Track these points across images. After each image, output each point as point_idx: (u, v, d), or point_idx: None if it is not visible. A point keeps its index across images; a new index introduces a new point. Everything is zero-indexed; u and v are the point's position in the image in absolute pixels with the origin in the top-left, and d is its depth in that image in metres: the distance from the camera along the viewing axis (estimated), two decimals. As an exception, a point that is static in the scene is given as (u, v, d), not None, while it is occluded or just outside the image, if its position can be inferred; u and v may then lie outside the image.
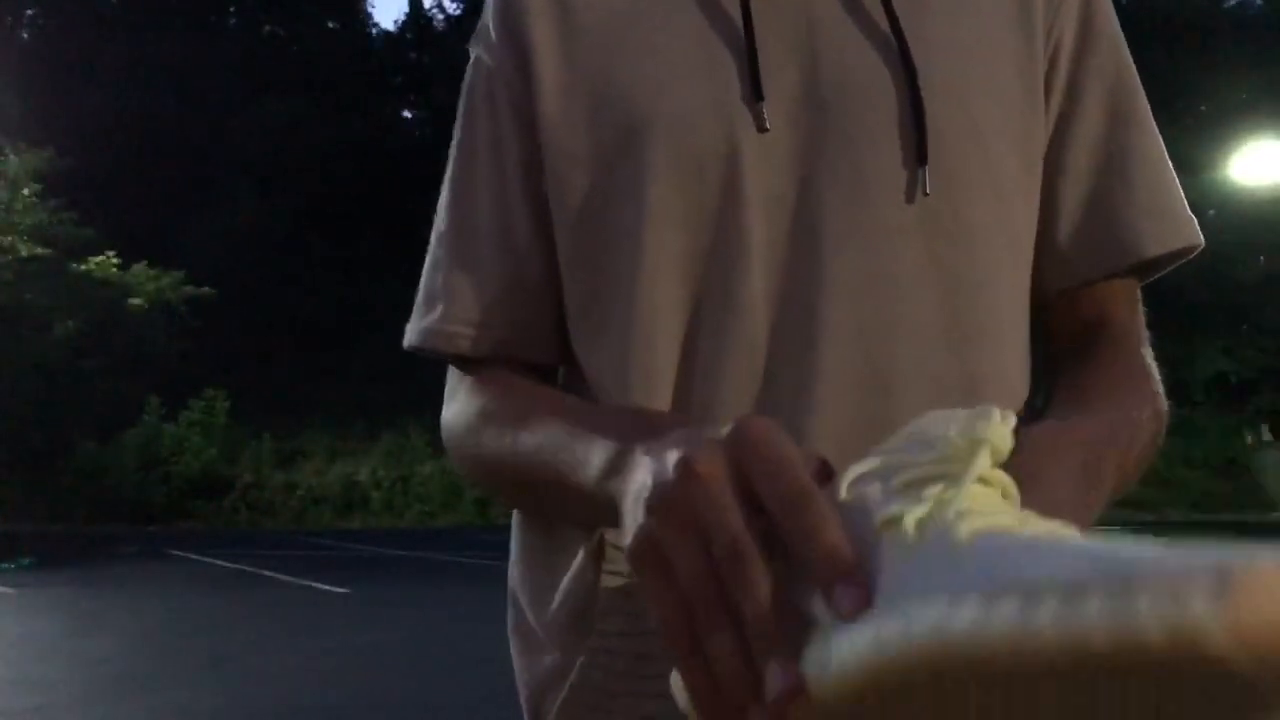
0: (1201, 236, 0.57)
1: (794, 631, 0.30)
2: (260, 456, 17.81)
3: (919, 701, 0.27)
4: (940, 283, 0.50)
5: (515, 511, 0.60)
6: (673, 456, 0.34)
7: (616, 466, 0.41)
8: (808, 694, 0.29)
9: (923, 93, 0.50)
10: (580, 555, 0.52)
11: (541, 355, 0.57)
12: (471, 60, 0.60)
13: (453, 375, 0.59)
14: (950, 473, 0.32)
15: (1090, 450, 0.43)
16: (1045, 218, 0.56)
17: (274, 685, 4.50)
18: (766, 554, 0.31)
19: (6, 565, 9.65)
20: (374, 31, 31.77)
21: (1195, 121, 19.94)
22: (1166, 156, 0.58)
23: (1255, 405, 20.32)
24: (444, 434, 0.57)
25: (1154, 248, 0.55)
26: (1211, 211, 20.57)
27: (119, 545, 12.33)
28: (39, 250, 16.09)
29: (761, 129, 0.50)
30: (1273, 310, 19.69)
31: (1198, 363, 20.26)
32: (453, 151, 0.60)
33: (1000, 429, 0.33)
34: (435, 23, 32.07)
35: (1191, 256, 0.58)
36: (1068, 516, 0.33)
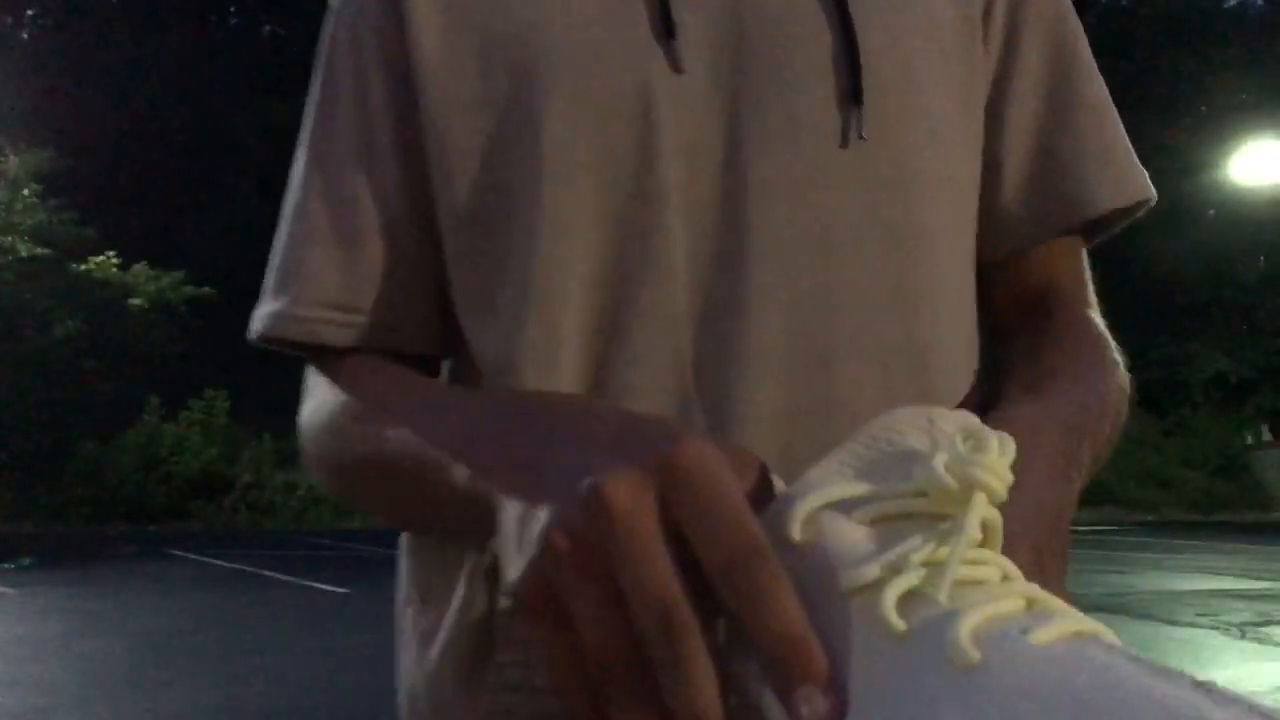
0: (1154, 190, 0.53)
1: (730, 712, 0.25)
2: (260, 456, 17.80)
3: None
4: (881, 239, 0.45)
5: (402, 535, 0.52)
6: (582, 481, 0.26)
7: (502, 465, 0.33)
8: None
9: (860, 30, 0.45)
10: (462, 583, 0.43)
11: (420, 343, 0.49)
12: (328, 12, 0.52)
13: (311, 371, 0.50)
14: (938, 521, 0.26)
15: (1068, 438, 0.39)
16: (987, 177, 0.50)
17: (274, 685, 4.49)
18: (699, 615, 0.24)
19: (6, 565, 9.64)
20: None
21: (1195, 121, 19.93)
22: (1112, 105, 0.53)
23: (1255, 405, 20.31)
24: (300, 437, 0.49)
25: (1107, 202, 0.51)
26: (1211, 212, 20.58)
27: (119, 545, 12.33)
28: (39, 250, 16.07)
29: (676, 69, 0.44)
30: (1272, 310, 19.69)
31: (1197, 363, 20.26)
32: (307, 115, 0.52)
33: (999, 463, 0.26)
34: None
35: (1140, 214, 0.53)
36: (1051, 518, 0.31)
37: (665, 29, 0.44)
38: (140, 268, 17.63)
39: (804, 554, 0.26)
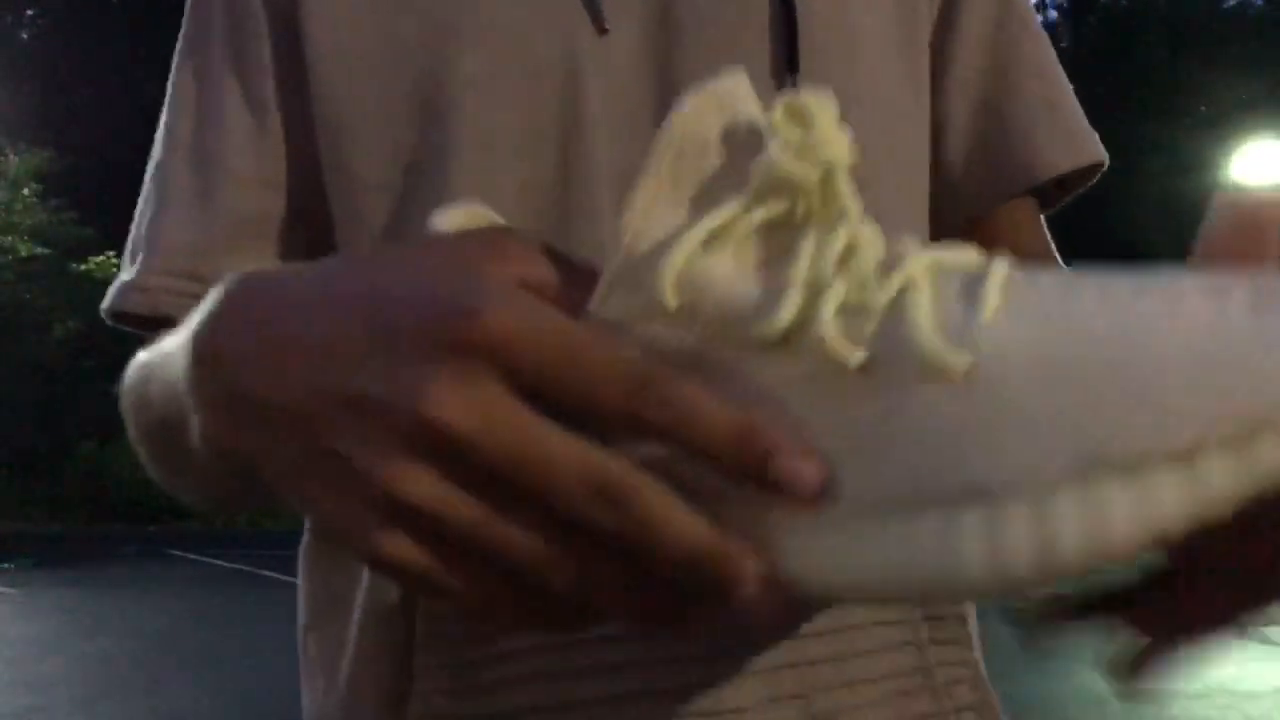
0: (1105, 153, 0.50)
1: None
2: (260, 457, 17.81)
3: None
4: None
5: (300, 554, 0.46)
6: (396, 414, 0.21)
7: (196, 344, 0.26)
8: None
9: None
10: (365, 581, 0.38)
11: None
12: None
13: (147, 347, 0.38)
14: (811, 220, 0.22)
15: None
16: (939, 136, 0.47)
17: (274, 685, 4.48)
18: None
19: (6, 565, 9.63)
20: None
21: (1195, 121, 19.94)
22: (1059, 66, 0.50)
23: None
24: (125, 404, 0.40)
25: (1058, 164, 0.48)
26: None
27: (119, 545, 12.33)
28: (39, 250, 16.08)
29: (601, 30, 0.40)
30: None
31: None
32: (175, 65, 0.47)
33: (832, 128, 0.22)
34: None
35: (1094, 180, 0.51)
36: None
37: None
38: (140, 268, 17.67)
39: (692, 321, 0.22)
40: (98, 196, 18.72)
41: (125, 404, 0.38)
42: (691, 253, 0.22)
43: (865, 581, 0.20)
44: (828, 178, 0.22)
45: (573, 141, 0.40)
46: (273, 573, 9.11)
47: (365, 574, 0.39)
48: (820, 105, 0.23)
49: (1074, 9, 28.09)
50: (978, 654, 0.44)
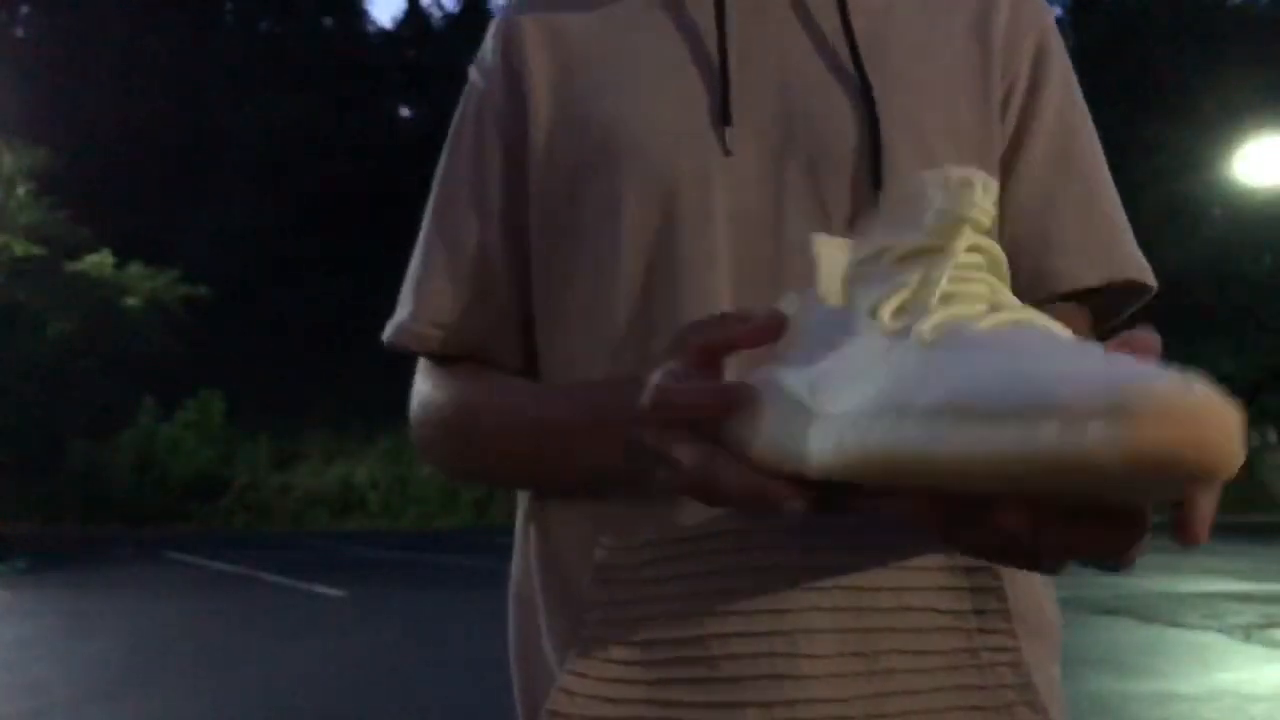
0: (1141, 271, 0.59)
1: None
2: (256, 458, 17.78)
3: (880, 481, 0.33)
4: None
5: (523, 517, 0.61)
6: (640, 399, 0.41)
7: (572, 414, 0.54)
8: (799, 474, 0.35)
9: (881, 124, 0.54)
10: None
11: (504, 358, 0.62)
12: (469, 82, 0.65)
13: (422, 364, 0.64)
14: (936, 253, 0.35)
15: None
16: (1011, 239, 0.58)
17: (270, 688, 4.46)
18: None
19: (1, 567, 9.59)
20: (371, 29, 31.79)
21: (1200, 120, 19.95)
22: (1109, 196, 0.60)
23: (1260, 406, 20.35)
24: (412, 411, 0.62)
25: (1085, 278, 0.57)
26: (1216, 210, 20.61)
27: (114, 547, 12.30)
28: (34, 249, 16.02)
29: (726, 152, 0.54)
30: (1278, 311, 19.72)
31: (1202, 363, 20.02)
32: (440, 162, 0.65)
33: (984, 199, 0.35)
34: (433, 20, 32.08)
35: (1148, 298, 0.60)
36: None
37: (724, 119, 0.55)
38: (135, 267, 17.60)
39: (846, 308, 0.37)
40: (92, 195, 18.66)
41: (454, 429, 0.59)
42: (847, 267, 0.38)
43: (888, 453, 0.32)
44: (957, 229, 0.35)
45: (699, 236, 0.54)
46: (269, 575, 9.07)
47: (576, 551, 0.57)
48: (987, 183, 0.35)
49: (1078, 7, 28.11)
50: (1021, 644, 0.53)
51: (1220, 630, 5.78)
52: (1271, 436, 20.43)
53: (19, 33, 26.20)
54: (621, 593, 0.52)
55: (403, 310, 0.62)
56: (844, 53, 0.56)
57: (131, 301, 17.23)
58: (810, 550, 0.50)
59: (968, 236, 0.35)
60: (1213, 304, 20.13)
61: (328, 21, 30.49)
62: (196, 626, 6.46)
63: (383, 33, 31.82)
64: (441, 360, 0.62)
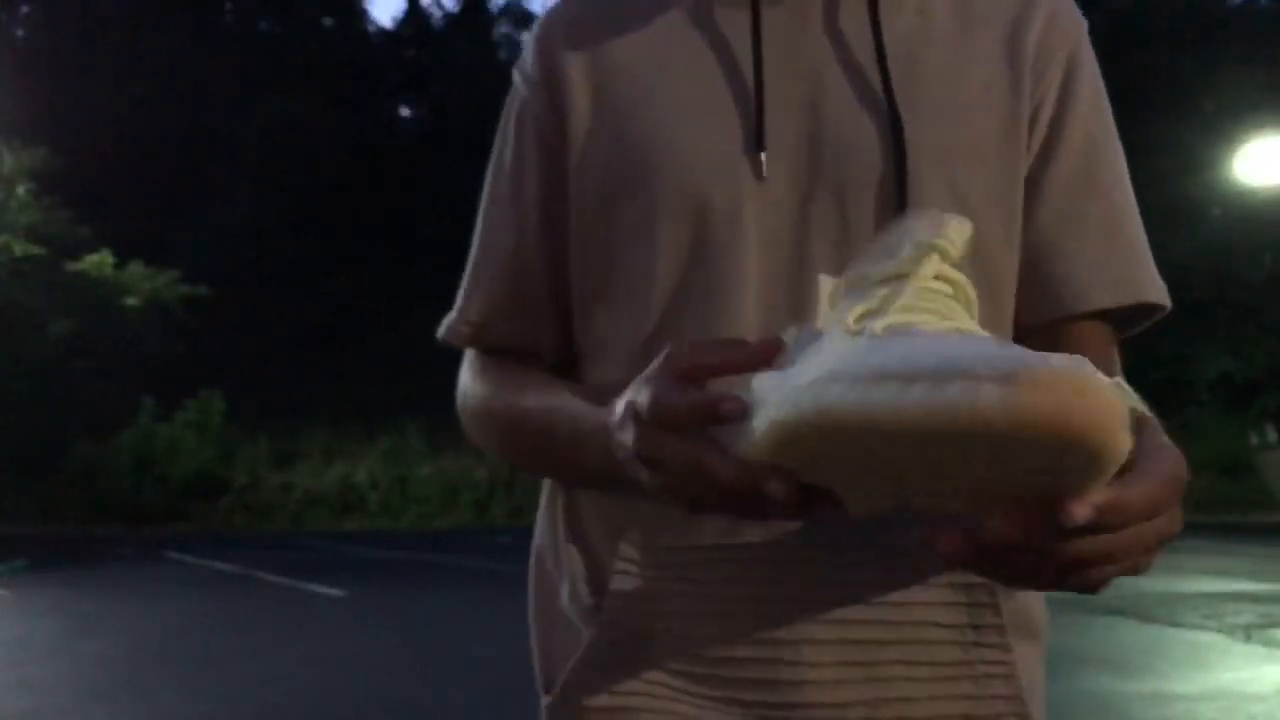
0: (1157, 293, 0.61)
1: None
2: (256, 458, 17.74)
3: (813, 454, 0.38)
4: None
5: (549, 494, 0.67)
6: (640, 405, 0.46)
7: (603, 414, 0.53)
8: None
9: (909, 154, 0.56)
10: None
11: (547, 349, 0.66)
12: (513, 85, 0.67)
13: (466, 356, 0.69)
14: (900, 275, 0.41)
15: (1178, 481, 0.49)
16: (1034, 264, 0.62)
17: (269, 688, 4.46)
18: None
19: (0, 567, 9.58)
20: (371, 29, 31.78)
21: (1200, 120, 19.94)
22: (1131, 216, 0.62)
23: (1260, 406, 20.30)
24: (458, 397, 0.68)
25: (1099, 300, 0.59)
26: (1217, 210, 20.59)
27: (114, 547, 12.30)
28: (33, 249, 16.02)
29: (759, 176, 0.57)
30: (1278, 309, 19.70)
31: (1203, 362, 20.28)
32: (489, 168, 0.68)
33: (953, 233, 0.41)
34: (433, 20, 32.06)
35: (1161, 316, 0.62)
36: (1174, 488, 0.44)
37: (757, 144, 0.57)
38: (135, 267, 17.58)
39: (832, 321, 0.42)
40: (92, 195, 18.65)
41: (489, 422, 0.65)
42: (835, 287, 0.43)
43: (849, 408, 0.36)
44: (925, 256, 0.40)
45: (730, 255, 0.57)
46: (269, 575, 9.07)
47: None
48: (961, 222, 0.42)
49: (1077, 6, 28.09)
50: (1015, 659, 0.56)
51: (1220, 630, 5.79)
52: (1271, 436, 20.38)
53: (19, 32, 26.20)
54: (639, 597, 0.57)
55: (452, 311, 0.68)
56: (876, 79, 0.58)
57: (131, 301, 17.22)
58: (816, 564, 0.54)
59: (934, 265, 0.40)
60: (1213, 304, 20.10)
61: (328, 21, 30.50)
62: (196, 626, 6.47)
63: (383, 33, 31.83)
64: (486, 352, 0.67)
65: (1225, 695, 4.06)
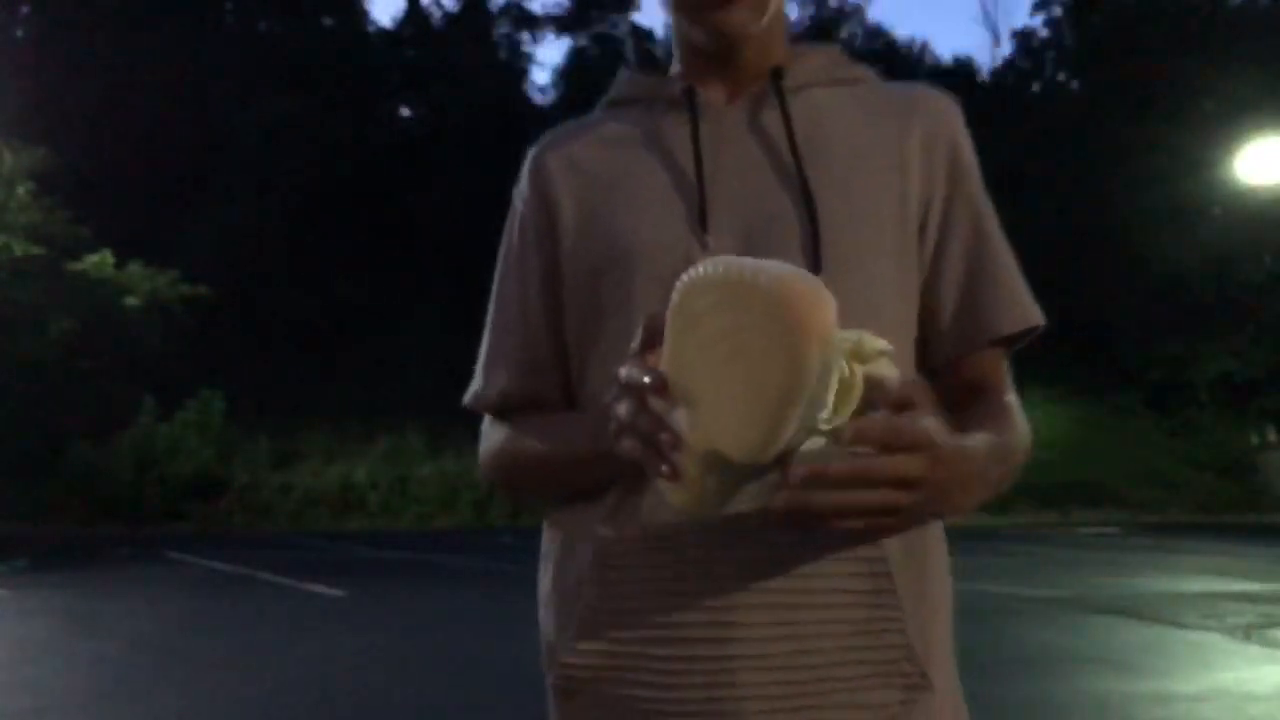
0: (1040, 317, 0.81)
1: None
2: (256, 457, 17.74)
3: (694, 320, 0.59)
4: None
5: (547, 521, 0.84)
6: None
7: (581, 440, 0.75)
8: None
9: (820, 220, 0.73)
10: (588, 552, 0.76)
11: (549, 405, 0.83)
12: (511, 206, 0.86)
13: (486, 418, 0.87)
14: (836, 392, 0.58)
15: (991, 453, 0.69)
16: (933, 310, 0.79)
17: (269, 687, 4.46)
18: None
19: (0, 567, 9.58)
20: (371, 29, 31.73)
21: (1200, 120, 19.92)
22: (1012, 266, 0.81)
23: (1260, 406, 20.30)
24: (480, 452, 0.86)
25: (1009, 328, 0.79)
26: (1217, 210, 20.56)
27: (114, 547, 12.30)
28: (33, 249, 16.00)
29: (705, 248, 0.73)
30: (1278, 310, 19.68)
31: (1203, 363, 20.27)
32: (496, 269, 0.86)
33: (864, 348, 0.58)
34: (432, 20, 32.02)
35: (1039, 331, 0.82)
36: (963, 466, 0.62)
37: (701, 224, 0.75)
38: (135, 267, 17.56)
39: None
40: (92, 195, 18.64)
41: (505, 459, 0.83)
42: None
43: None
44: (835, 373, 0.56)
45: None
46: (269, 574, 9.07)
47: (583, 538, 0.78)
48: (864, 338, 0.57)
49: (1078, 7, 28.06)
50: (907, 615, 0.72)
51: (1220, 630, 5.79)
52: (1271, 436, 20.35)
53: (19, 33, 26.19)
54: (612, 573, 0.73)
55: (476, 383, 0.85)
56: (791, 163, 0.76)
57: (131, 301, 17.20)
58: (751, 544, 0.68)
59: (837, 376, 0.57)
60: (1212, 303, 20.09)
61: (327, 21, 30.47)
62: (195, 625, 6.47)
63: (382, 33, 31.79)
64: (502, 414, 0.84)
65: (1226, 695, 4.06)
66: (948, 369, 0.79)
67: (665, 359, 0.60)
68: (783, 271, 0.55)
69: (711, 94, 0.80)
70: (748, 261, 0.56)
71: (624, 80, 0.85)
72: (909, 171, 0.77)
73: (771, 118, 0.77)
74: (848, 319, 0.62)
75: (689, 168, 0.77)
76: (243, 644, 5.68)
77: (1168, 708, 3.93)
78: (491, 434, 0.84)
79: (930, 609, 0.74)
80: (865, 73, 0.83)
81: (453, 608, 7.20)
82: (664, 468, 0.59)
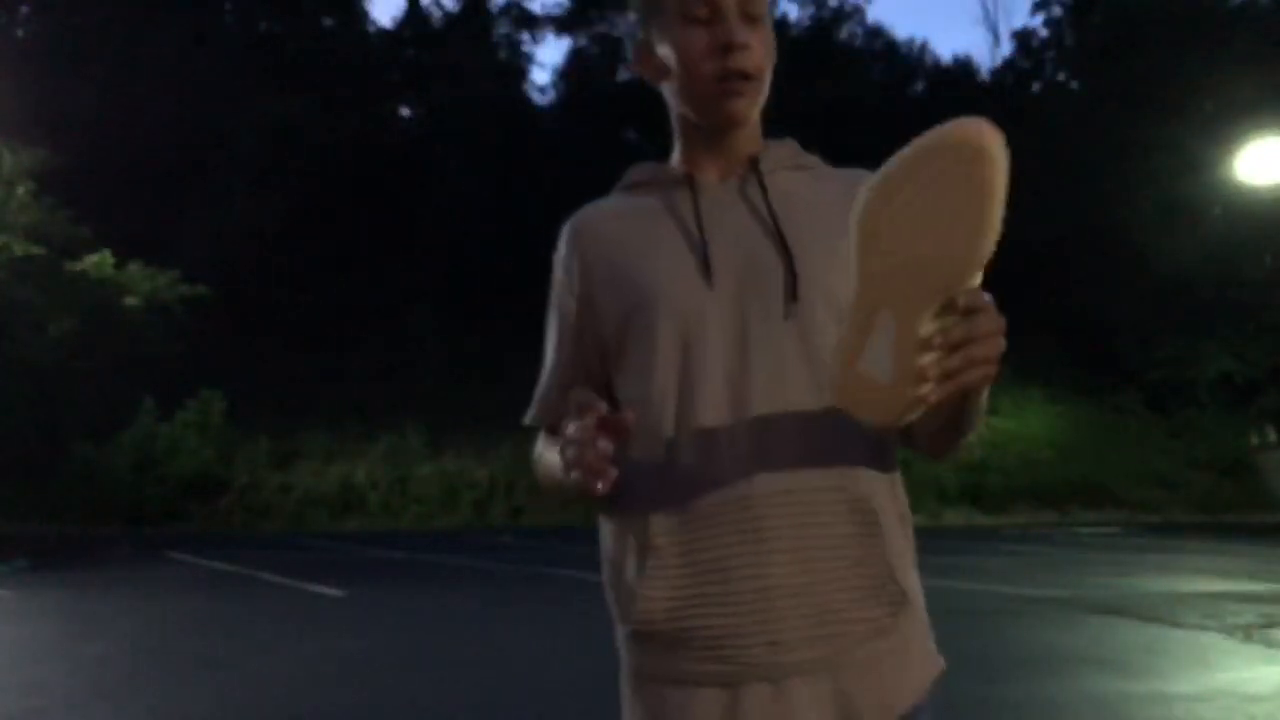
0: None
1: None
2: (256, 458, 17.74)
3: None
4: (805, 364, 0.97)
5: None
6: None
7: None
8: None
9: (796, 265, 0.98)
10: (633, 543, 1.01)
11: None
12: (553, 273, 1.10)
13: (541, 433, 1.11)
14: None
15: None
16: None
17: (270, 688, 4.46)
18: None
19: (1, 567, 9.59)
20: (371, 29, 31.71)
21: (1201, 120, 19.90)
22: None
23: (1260, 406, 20.28)
24: (533, 459, 1.11)
25: None
26: (1217, 210, 20.53)
27: (114, 547, 12.31)
28: (33, 249, 15.98)
29: (711, 288, 0.98)
30: (1278, 309, 19.66)
31: (1203, 363, 20.24)
32: (549, 313, 1.10)
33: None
34: (433, 21, 32.01)
35: None
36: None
37: (706, 272, 0.99)
38: (135, 267, 17.54)
39: None
40: (92, 195, 18.64)
41: (539, 468, 1.08)
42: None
43: None
44: None
45: (703, 343, 0.98)
46: (269, 574, 9.08)
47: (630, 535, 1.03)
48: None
49: (1077, 7, 28.03)
50: (889, 550, 0.96)
51: (1220, 630, 5.78)
52: (1271, 436, 20.33)
53: (19, 33, 26.19)
54: (671, 543, 0.95)
55: (535, 405, 1.10)
56: (770, 227, 1.00)
57: (131, 301, 17.18)
58: (768, 515, 0.93)
59: None
60: (1213, 303, 20.05)
61: (327, 21, 30.46)
62: (196, 625, 6.47)
63: (382, 33, 31.78)
64: (551, 431, 1.08)
65: (1225, 695, 4.05)
66: None
67: (855, 284, 0.78)
68: (929, 132, 0.70)
69: (706, 175, 1.05)
70: (892, 159, 0.73)
71: (635, 170, 1.10)
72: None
73: (754, 192, 1.03)
74: (817, 335, 0.96)
75: (694, 231, 1.01)
76: (243, 643, 5.68)
77: (1167, 707, 3.92)
78: (538, 446, 1.09)
79: (901, 538, 0.99)
80: (816, 161, 1.09)
81: (452, 607, 7.21)
82: (597, 484, 0.84)
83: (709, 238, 0.99)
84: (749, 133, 1.05)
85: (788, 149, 1.08)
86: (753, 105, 1.02)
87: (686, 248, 1.00)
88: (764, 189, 1.02)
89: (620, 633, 1.01)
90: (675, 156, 1.08)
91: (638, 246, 1.02)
